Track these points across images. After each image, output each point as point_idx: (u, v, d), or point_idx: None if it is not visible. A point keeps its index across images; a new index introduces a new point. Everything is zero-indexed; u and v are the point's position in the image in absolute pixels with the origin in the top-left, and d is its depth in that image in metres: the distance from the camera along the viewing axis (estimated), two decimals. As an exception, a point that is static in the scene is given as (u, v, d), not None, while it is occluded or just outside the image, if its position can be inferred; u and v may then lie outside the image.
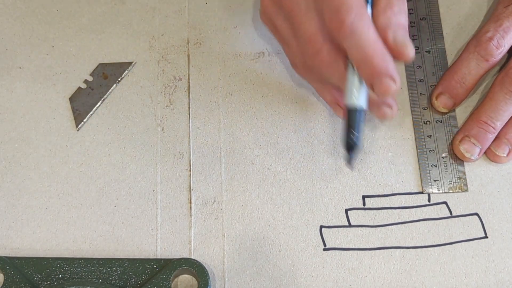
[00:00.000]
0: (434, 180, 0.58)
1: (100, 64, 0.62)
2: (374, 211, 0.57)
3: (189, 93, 0.61)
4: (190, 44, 0.63)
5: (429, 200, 0.57)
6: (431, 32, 0.63)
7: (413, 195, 0.58)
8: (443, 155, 0.58)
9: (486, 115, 0.57)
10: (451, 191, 0.57)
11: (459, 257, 0.55)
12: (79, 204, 0.57)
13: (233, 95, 0.61)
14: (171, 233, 0.56)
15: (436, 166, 0.58)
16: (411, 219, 0.57)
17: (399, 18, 0.51)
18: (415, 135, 0.59)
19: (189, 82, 0.62)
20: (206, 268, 0.54)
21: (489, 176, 0.58)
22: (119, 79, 0.62)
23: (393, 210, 0.57)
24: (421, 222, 0.57)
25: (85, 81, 0.62)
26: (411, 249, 0.56)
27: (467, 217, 0.57)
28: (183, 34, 0.63)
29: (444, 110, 0.59)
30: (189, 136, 0.60)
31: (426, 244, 0.56)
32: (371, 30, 0.49)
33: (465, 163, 0.58)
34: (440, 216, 0.57)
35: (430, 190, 0.57)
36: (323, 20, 0.51)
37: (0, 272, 0.54)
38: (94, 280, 0.53)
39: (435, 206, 0.57)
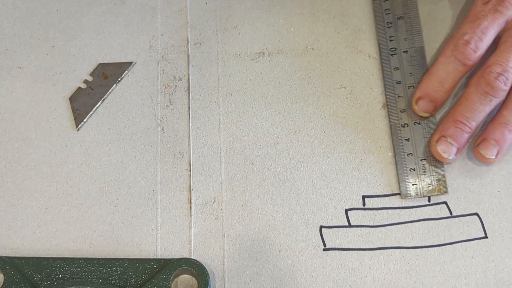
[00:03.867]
0: (413, 184, 0.57)
1: (100, 64, 0.62)
2: (374, 211, 0.57)
3: (189, 93, 0.61)
4: (190, 44, 0.63)
5: (429, 200, 0.57)
6: (409, 31, 0.62)
7: (413, 195, 0.58)
8: (421, 158, 0.58)
9: (462, 115, 0.57)
10: (430, 194, 0.57)
11: (459, 257, 0.55)
12: (79, 204, 0.57)
13: (233, 95, 0.61)
14: (171, 233, 0.56)
15: (414, 170, 0.58)
16: (411, 219, 0.57)
17: None
18: (392, 138, 0.59)
19: (189, 82, 0.62)
20: (206, 268, 0.54)
21: (489, 176, 0.58)
22: (119, 79, 0.62)
23: (393, 210, 0.57)
24: (421, 222, 0.57)
25: (85, 81, 0.62)
26: (411, 249, 0.56)
27: (467, 217, 0.57)
28: (183, 34, 0.63)
29: (425, 115, 0.59)
30: (189, 136, 0.60)
31: (426, 244, 0.56)
32: None
33: (445, 165, 0.58)
34: (440, 216, 0.57)
35: (408, 194, 0.57)
36: None
37: (0, 272, 0.54)
38: (94, 280, 0.53)
39: (435, 206, 0.57)
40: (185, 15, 0.64)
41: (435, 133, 0.58)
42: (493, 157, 0.57)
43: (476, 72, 0.58)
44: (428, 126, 0.59)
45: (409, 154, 0.58)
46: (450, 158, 0.57)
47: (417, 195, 0.57)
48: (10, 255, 0.55)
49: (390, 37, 0.62)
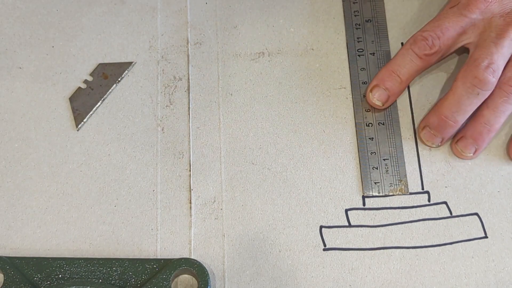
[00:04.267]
0: (375, 183, 0.58)
1: (100, 64, 0.62)
2: (374, 211, 0.57)
3: (189, 93, 0.61)
4: (190, 44, 0.63)
5: (429, 200, 0.57)
6: (376, 34, 0.63)
7: (412, 195, 0.58)
8: (385, 157, 0.58)
9: (448, 109, 0.57)
10: (391, 193, 0.57)
11: (459, 257, 0.55)
12: (79, 204, 0.57)
13: (233, 95, 0.61)
14: (171, 233, 0.56)
15: (377, 169, 0.58)
16: (411, 219, 0.57)
17: None
18: (356, 137, 0.59)
19: (189, 82, 0.62)
20: (206, 268, 0.54)
21: (489, 176, 0.58)
22: (119, 79, 0.62)
23: (393, 210, 0.57)
24: (421, 222, 0.57)
25: (85, 81, 0.62)
26: (411, 249, 0.56)
27: (467, 217, 0.57)
28: (183, 34, 0.63)
29: (378, 103, 0.59)
30: (189, 136, 0.60)
31: (426, 244, 0.56)
32: None
33: (409, 165, 0.58)
34: (440, 216, 0.57)
35: (370, 193, 0.57)
36: None
37: (0, 272, 0.54)
38: (94, 280, 0.53)
39: (435, 206, 0.57)
40: (185, 15, 0.64)
41: (421, 121, 0.59)
42: (471, 154, 0.58)
43: (462, 67, 0.58)
44: (392, 127, 0.60)
45: (372, 153, 0.59)
46: (434, 146, 0.59)
47: (379, 193, 0.57)
48: (10, 255, 0.55)
49: (358, 38, 0.63)
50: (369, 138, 0.59)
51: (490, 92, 0.57)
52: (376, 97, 0.59)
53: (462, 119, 0.57)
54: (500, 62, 0.56)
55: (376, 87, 0.59)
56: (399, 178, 0.58)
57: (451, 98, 0.57)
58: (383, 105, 0.60)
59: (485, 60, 0.56)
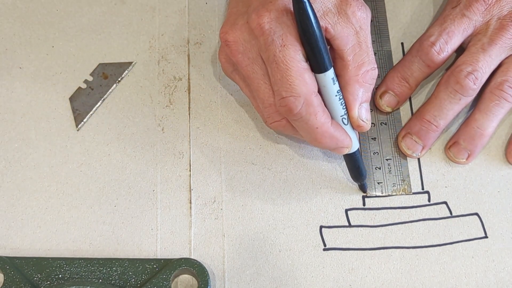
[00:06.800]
0: (378, 183, 0.58)
1: (100, 64, 0.62)
2: (374, 211, 0.57)
3: (189, 93, 0.61)
4: (190, 44, 0.63)
5: (429, 200, 0.57)
6: (378, 34, 0.63)
7: (413, 195, 0.58)
8: (387, 157, 0.58)
9: (430, 114, 0.57)
10: (394, 193, 0.57)
11: (459, 257, 0.55)
12: (79, 204, 0.57)
13: (233, 95, 0.61)
14: (171, 233, 0.56)
15: (380, 169, 0.58)
16: (411, 219, 0.57)
17: (367, 94, 0.53)
18: (359, 137, 0.59)
19: (189, 82, 0.62)
20: (206, 268, 0.54)
21: (489, 176, 0.58)
22: (119, 79, 0.62)
23: (393, 210, 0.57)
24: (421, 222, 0.57)
25: (85, 81, 0.62)
26: (411, 249, 0.56)
27: (467, 217, 0.57)
28: (183, 34, 0.63)
29: (388, 109, 0.60)
30: (189, 136, 0.60)
31: (426, 244, 0.56)
32: (318, 115, 0.51)
33: (409, 165, 0.58)
34: (440, 216, 0.57)
35: (374, 193, 0.57)
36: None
37: (0, 272, 0.54)
38: (94, 280, 0.53)
39: (435, 206, 0.57)
40: (185, 15, 0.64)
41: (402, 129, 0.59)
42: (464, 160, 0.58)
43: (445, 71, 0.58)
44: (394, 127, 0.60)
45: (375, 153, 0.59)
46: (415, 155, 0.58)
47: (382, 193, 0.57)
48: (10, 255, 0.55)
49: None
50: (372, 138, 0.59)
51: (471, 98, 0.57)
52: (387, 103, 0.59)
53: (443, 123, 0.57)
54: (484, 69, 0.57)
55: (385, 93, 0.59)
56: (402, 178, 0.58)
57: (433, 102, 0.57)
58: (392, 110, 0.60)
59: (468, 67, 0.56)
